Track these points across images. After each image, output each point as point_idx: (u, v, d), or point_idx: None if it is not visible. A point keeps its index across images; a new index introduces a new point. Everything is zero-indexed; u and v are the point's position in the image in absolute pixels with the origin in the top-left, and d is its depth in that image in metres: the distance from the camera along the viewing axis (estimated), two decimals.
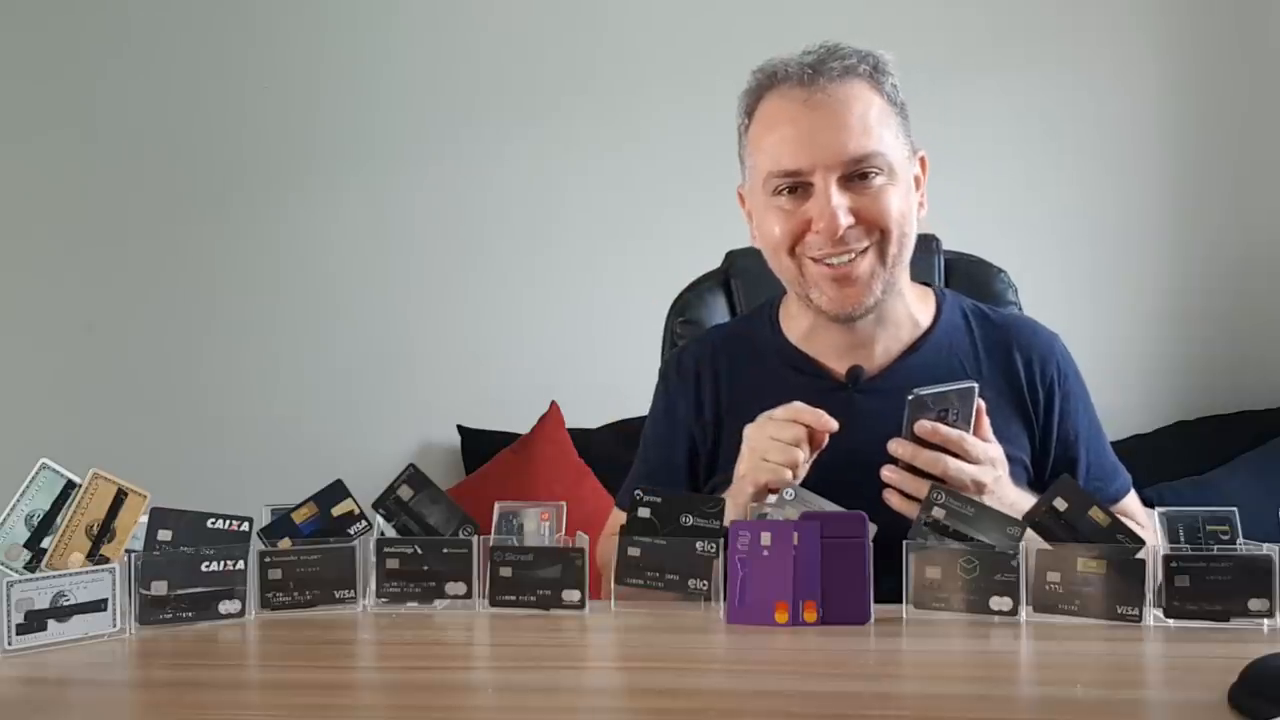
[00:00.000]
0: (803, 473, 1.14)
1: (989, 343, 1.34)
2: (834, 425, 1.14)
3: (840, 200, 1.21)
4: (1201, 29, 2.67)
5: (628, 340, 2.25)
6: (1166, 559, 0.98)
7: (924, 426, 1.13)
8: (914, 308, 1.34)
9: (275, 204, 2.78)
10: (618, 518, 1.38)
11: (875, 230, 1.24)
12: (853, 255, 1.24)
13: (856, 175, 1.22)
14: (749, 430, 1.19)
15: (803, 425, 1.14)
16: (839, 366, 1.32)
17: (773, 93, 1.26)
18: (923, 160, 1.31)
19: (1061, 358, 1.35)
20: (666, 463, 1.38)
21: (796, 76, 1.24)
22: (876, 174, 1.23)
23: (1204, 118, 2.67)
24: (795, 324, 1.37)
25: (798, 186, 1.24)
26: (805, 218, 1.24)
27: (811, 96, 1.22)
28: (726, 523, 1.07)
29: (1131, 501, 1.36)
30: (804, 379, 1.33)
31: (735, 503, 1.15)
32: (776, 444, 1.14)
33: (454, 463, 2.69)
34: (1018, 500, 1.14)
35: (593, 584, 1.09)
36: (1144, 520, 1.28)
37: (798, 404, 1.16)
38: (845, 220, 1.21)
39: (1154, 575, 0.99)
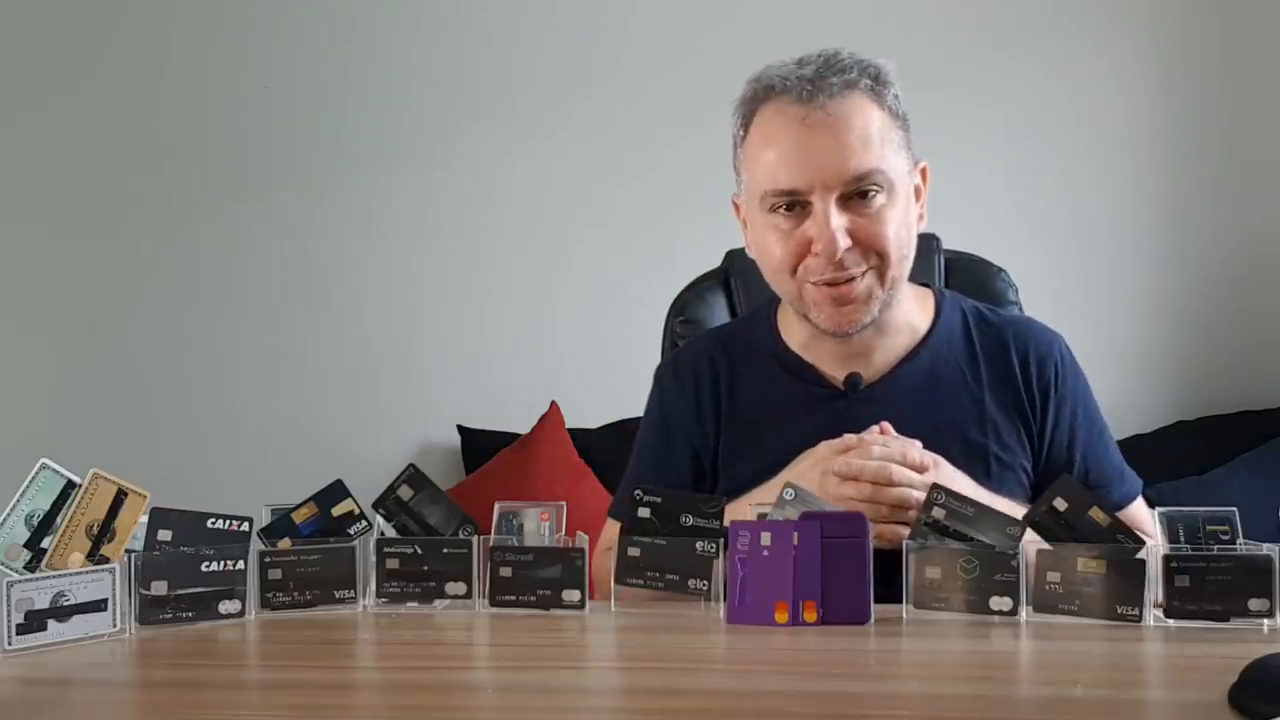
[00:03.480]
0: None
1: (987, 346, 1.33)
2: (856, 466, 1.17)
3: (839, 221, 1.20)
4: (1201, 27, 2.67)
5: (628, 340, 2.25)
6: (1166, 559, 0.98)
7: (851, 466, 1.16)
8: (912, 314, 1.33)
9: (275, 203, 2.78)
10: (612, 530, 1.35)
11: (873, 254, 1.23)
12: (852, 277, 1.23)
13: (856, 194, 1.21)
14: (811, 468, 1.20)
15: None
16: (837, 374, 1.31)
17: (768, 106, 1.24)
18: (924, 171, 1.30)
19: (1061, 358, 1.33)
20: (661, 471, 1.35)
21: (795, 91, 1.21)
22: (876, 192, 1.21)
23: (1204, 117, 2.67)
24: (793, 330, 1.36)
25: (795, 204, 1.23)
26: (805, 238, 1.22)
27: (810, 115, 1.20)
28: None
29: (1136, 509, 1.33)
30: (801, 385, 1.32)
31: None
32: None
33: (454, 463, 2.69)
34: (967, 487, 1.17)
35: (591, 593, 1.09)
36: (1147, 528, 1.26)
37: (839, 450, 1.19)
38: (844, 242, 1.20)
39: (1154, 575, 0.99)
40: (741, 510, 1.14)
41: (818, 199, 1.20)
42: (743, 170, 1.30)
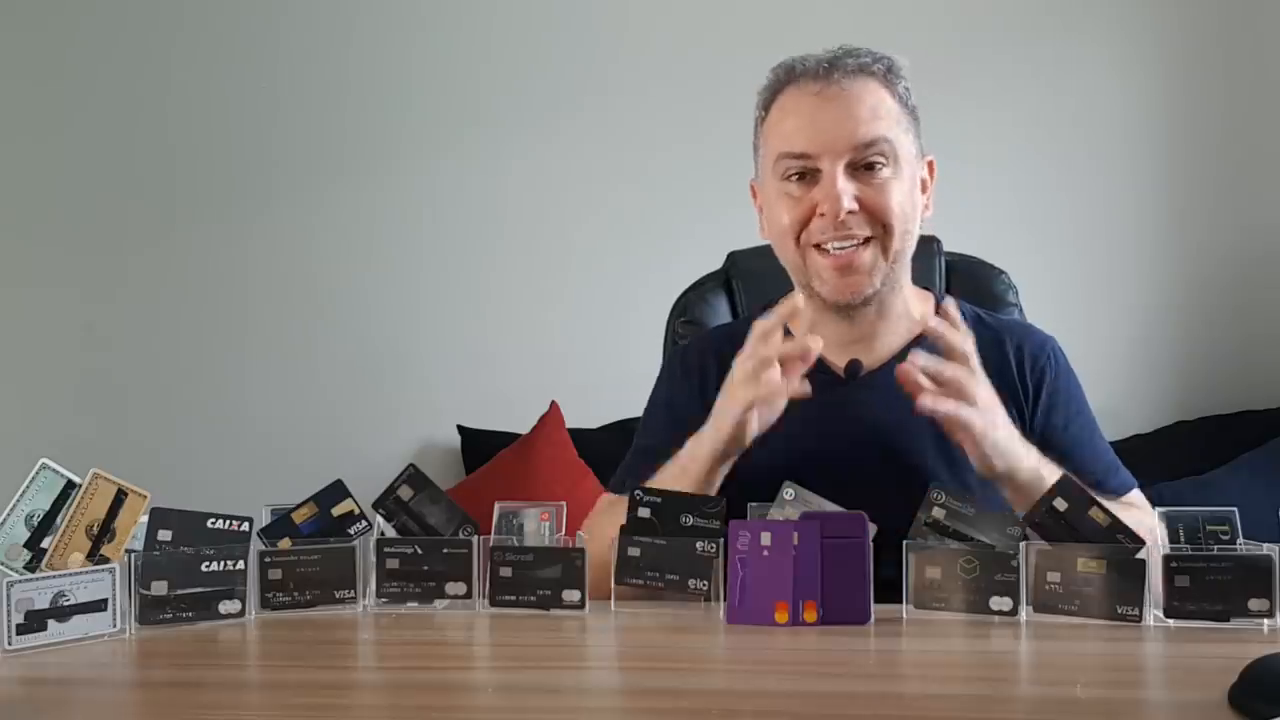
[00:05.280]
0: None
1: (984, 342, 1.35)
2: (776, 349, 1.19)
3: (845, 186, 1.25)
4: (1202, 28, 2.67)
5: (628, 340, 2.25)
6: (1166, 559, 0.98)
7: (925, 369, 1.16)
8: (914, 306, 1.37)
9: (276, 204, 2.78)
10: (607, 498, 1.40)
11: (877, 223, 1.27)
12: (855, 243, 1.26)
13: (863, 165, 1.26)
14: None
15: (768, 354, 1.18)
16: (839, 360, 1.33)
17: (790, 87, 1.30)
18: (930, 164, 1.34)
19: (1053, 356, 1.37)
20: (666, 446, 1.36)
21: (813, 72, 1.28)
22: (882, 165, 1.26)
23: (1204, 117, 2.66)
24: (799, 318, 1.37)
25: (806, 172, 1.27)
26: (812, 203, 1.27)
27: (826, 89, 1.27)
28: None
29: (1138, 498, 1.35)
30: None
31: (717, 426, 1.19)
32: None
33: (454, 463, 2.69)
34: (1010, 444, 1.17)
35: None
36: (1148, 517, 1.27)
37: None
38: (849, 204, 1.24)
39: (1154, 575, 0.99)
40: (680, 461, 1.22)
41: (827, 164, 1.25)
42: (761, 147, 1.35)
